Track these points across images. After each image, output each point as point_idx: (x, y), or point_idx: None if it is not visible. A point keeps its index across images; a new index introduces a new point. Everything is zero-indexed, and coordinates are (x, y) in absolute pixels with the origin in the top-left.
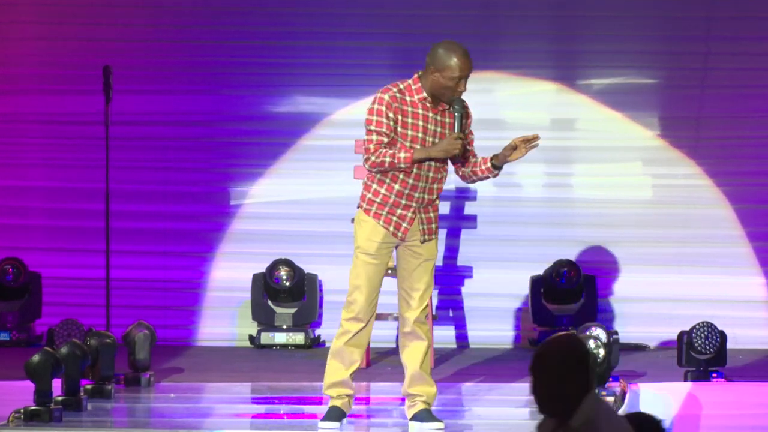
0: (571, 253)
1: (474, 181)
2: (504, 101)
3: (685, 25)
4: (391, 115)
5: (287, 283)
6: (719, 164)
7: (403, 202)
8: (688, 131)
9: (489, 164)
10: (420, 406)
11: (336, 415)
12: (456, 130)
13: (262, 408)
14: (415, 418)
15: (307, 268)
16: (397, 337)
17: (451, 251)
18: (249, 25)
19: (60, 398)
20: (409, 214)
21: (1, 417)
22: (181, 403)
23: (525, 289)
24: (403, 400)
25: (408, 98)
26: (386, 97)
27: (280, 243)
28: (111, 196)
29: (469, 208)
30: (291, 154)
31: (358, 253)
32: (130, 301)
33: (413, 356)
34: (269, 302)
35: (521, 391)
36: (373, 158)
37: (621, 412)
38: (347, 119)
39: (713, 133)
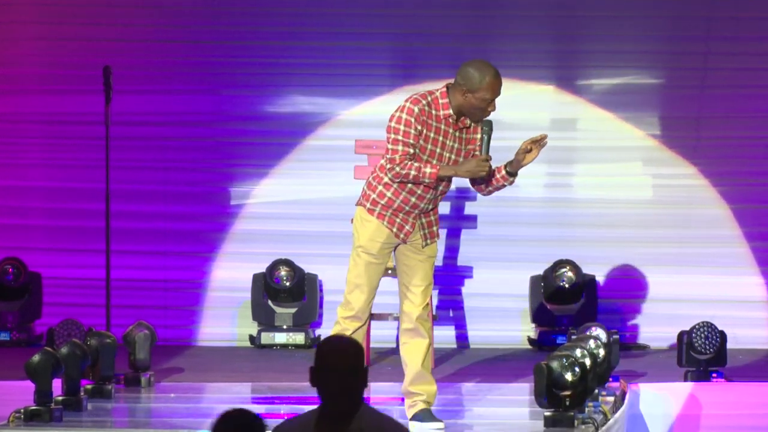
0: (571, 253)
1: (491, 192)
2: (504, 102)
3: (685, 25)
4: (419, 127)
5: (287, 283)
6: (719, 164)
7: (407, 208)
8: (688, 131)
9: (503, 172)
10: (420, 406)
11: None
12: (483, 152)
13: (262, 408)
14: (415, 418)
15: (307, 268)
16: (397, 337)
17: (451, 251)
18: (249, 25)
19: (60, 398)
20: (411, 219)
21: (1, 417)
22: (181, 403)
23: (525, 289)
24: (402, 399)
25: (434, 112)
26: (416, 109)
27: (280, 243)
28: (111, 196)
29: (469, 208)
30: (291, 154)
31: (360, 252)
32: (130, 301)
33: (414, 354)
34: (269, 302)
35: (521, 391)
36: (398, 169)
37: (621, 412)
38: (348, 119)
39: (713, 133)
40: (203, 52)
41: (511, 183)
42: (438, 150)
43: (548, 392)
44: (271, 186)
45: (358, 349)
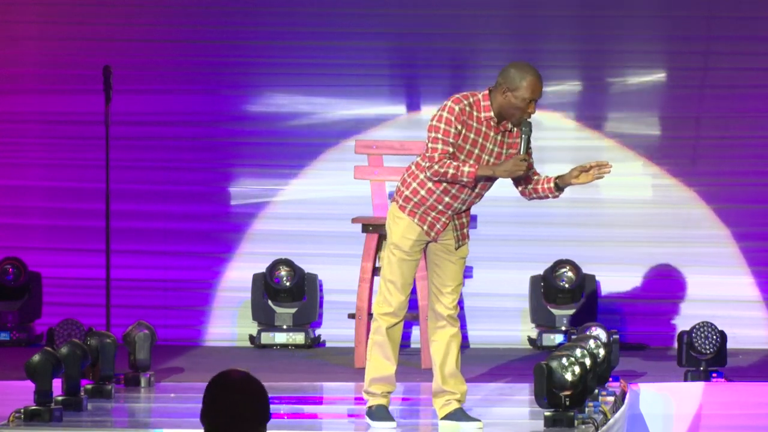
0: (571, 253)
1: (533, 199)
2: None
3: (686, 25)
4: (459, 127)
5: (287, 283)
6: (719, 164)
7: (440, 207)
8: (688, 131)
9: (552, 184)
10: (454, 405)
11: (387, 414)
12: (521, 152)
13: None
14: (449, 417)
15: (307, 268)
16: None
17: None
18: (249, 25)
19: (60, 398)
20: (443, 219)
21: (1, 417)
22: (181, 403)
23: (525, 289)
24: (405, 399)
25: (475, 113)
26: (457, 108)
27: (280, 243)
28: (111, 196)
29: None
30: (291, 154)
31: (393, 250)
32: (130, 301)
33: (447, 352)
34: (269, 302)
35: (521, 391)
36: (436, 167)
37: (621, 412)
38: (348, 119)
39: (713, 133)
40: (203, 52)
41: (556, 197)
42: (476, 151)
43: (548, 392)
44: (271, 186)
45: (262, 389)
